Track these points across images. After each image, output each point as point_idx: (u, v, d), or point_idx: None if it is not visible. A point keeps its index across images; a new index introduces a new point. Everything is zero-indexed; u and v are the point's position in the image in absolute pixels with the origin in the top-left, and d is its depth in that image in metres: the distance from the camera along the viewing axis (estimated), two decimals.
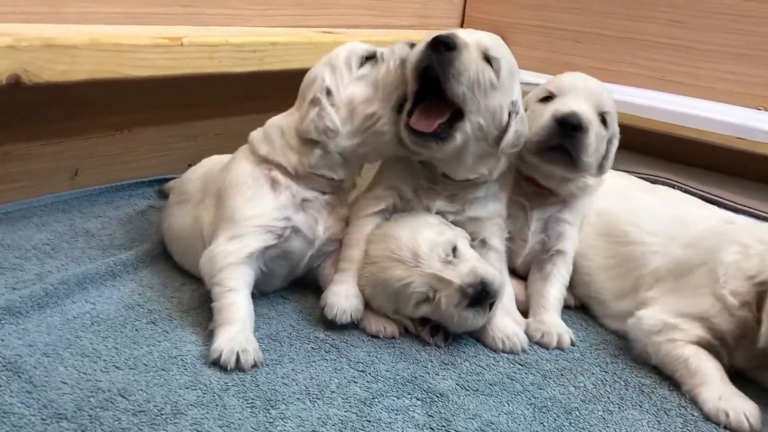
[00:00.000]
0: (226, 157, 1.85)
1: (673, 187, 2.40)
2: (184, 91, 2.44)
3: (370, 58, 1.68)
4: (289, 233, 1.64)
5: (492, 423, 1.36)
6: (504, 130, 1.67)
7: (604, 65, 3.02)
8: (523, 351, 1.65)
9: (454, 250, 1.62)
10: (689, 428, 1.42)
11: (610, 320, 1.81)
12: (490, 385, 1.50)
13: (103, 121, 2.29)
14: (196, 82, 2.39)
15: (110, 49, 1.87)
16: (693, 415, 1.46)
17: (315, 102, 1.63)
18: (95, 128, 2.27)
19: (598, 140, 1.73)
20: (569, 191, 1.83)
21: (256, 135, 1.73)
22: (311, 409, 1.34)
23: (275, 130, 1.69)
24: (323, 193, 1.70)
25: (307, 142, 1.65)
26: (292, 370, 1.46)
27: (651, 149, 2.78)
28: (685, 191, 2.36)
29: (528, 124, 1.73)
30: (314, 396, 1.38)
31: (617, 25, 3.00)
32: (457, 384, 1.48)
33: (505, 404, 1.43)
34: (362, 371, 1.49)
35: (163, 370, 1.40)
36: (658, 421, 1.44)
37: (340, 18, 2.93)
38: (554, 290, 1.82)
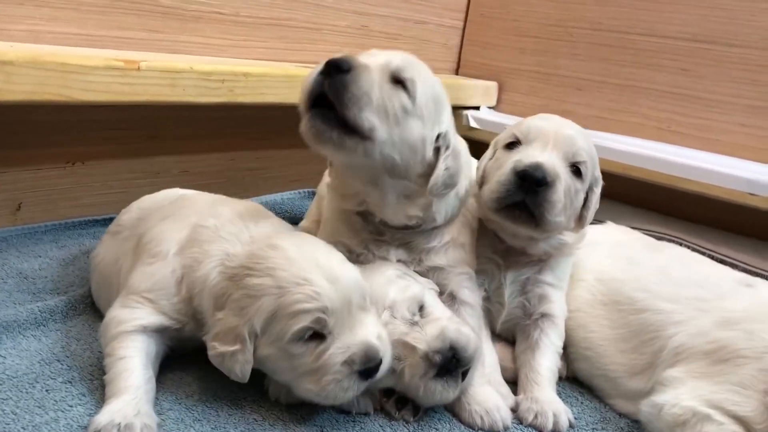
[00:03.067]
0: (189, 193, 1.66)
1: (680, 245, 2.18)
2: (146, 123, 2.25)
3: (317, 335, 1.27)
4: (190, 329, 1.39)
5: None
6: (433, 167, 1.45)
7: (606, 114, 2.91)
8: (506, 429, 1.41)
9: (422, 308, 1.39)
10: None
11: (621, 401, 1.56)
12: None
13: (53, 152, 2.08)
14: (160, 113, 2.21)
15: (54, 69, 1.67)
16: None
17: (238, 339, 1.26)
18: (44, 159, 2.07)
19: (569, 195, 1.52)
20: (543, 250, 1.63)
21: (205, 223, 1.42)
22: None
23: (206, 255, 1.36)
24: None
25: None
26: None
27: (653, 204, 2.63)
28: (693, 250, 2.13)
29: (491, 174, 1.56)
30: None
31: (621, 73, 2.88)
32: None
33: None
34: None
35: None
36: None
37: (327, 55, 2.74)
38: (545, 361, 1.59)
